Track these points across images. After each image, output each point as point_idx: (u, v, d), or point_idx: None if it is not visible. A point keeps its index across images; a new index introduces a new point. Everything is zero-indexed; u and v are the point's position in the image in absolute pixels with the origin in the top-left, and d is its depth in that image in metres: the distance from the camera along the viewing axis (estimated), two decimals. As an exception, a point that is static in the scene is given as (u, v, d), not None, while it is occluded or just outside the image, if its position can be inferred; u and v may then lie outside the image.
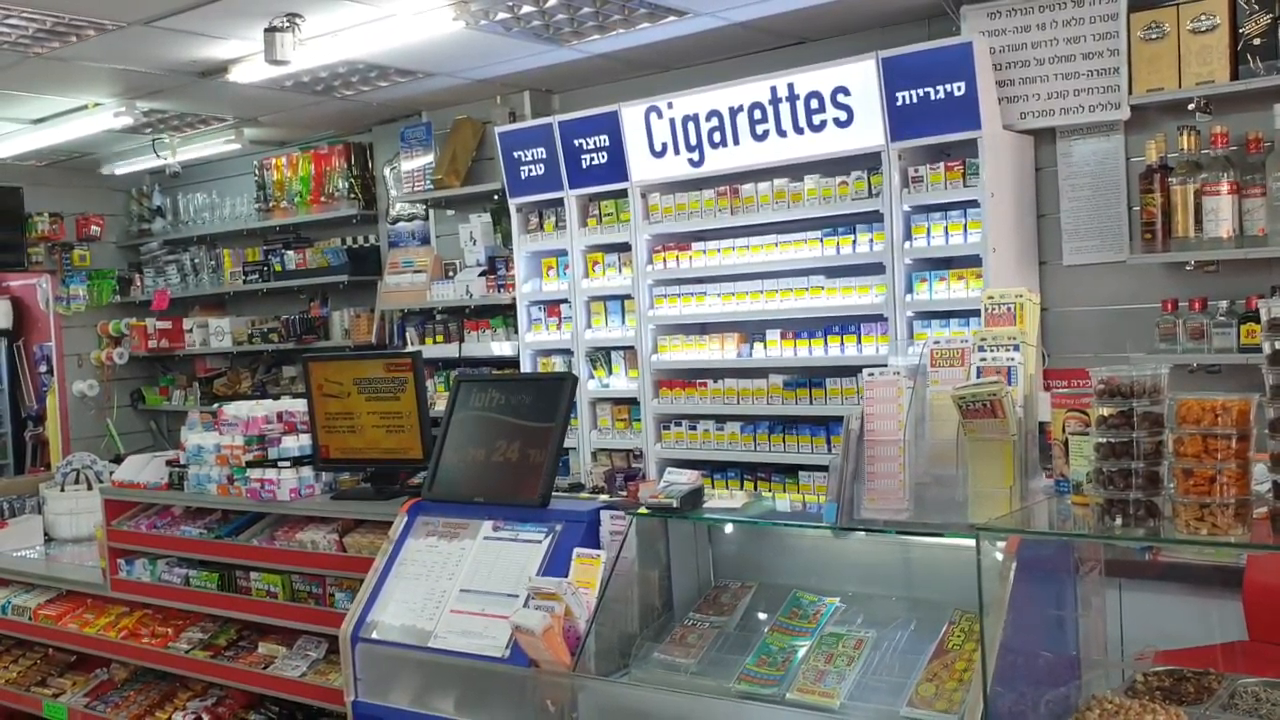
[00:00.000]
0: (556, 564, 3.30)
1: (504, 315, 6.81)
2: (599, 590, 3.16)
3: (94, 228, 9.23)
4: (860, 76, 5.10)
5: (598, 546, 3.34)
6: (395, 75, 6.29)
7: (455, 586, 3.44)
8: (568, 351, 6.39)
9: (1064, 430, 2.67)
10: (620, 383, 6.20)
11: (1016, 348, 2.81)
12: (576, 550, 3.27)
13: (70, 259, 9.15)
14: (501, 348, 6.76)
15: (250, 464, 4.25)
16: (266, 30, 4.88)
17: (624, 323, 6.16)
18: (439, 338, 7.09)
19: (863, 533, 3.03)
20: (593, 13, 5.20)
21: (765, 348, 5.61)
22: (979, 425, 2.72)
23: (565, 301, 6.36)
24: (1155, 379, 2.31)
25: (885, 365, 3.00)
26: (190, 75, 6.06)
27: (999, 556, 2.54)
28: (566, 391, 3.58)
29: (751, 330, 5.74)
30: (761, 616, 3.23)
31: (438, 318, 7.24)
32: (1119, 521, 2.32)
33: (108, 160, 8.63)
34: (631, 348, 6.12)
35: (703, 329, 6.00)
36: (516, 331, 6.64)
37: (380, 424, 4.08)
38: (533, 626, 2.99)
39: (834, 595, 3.15)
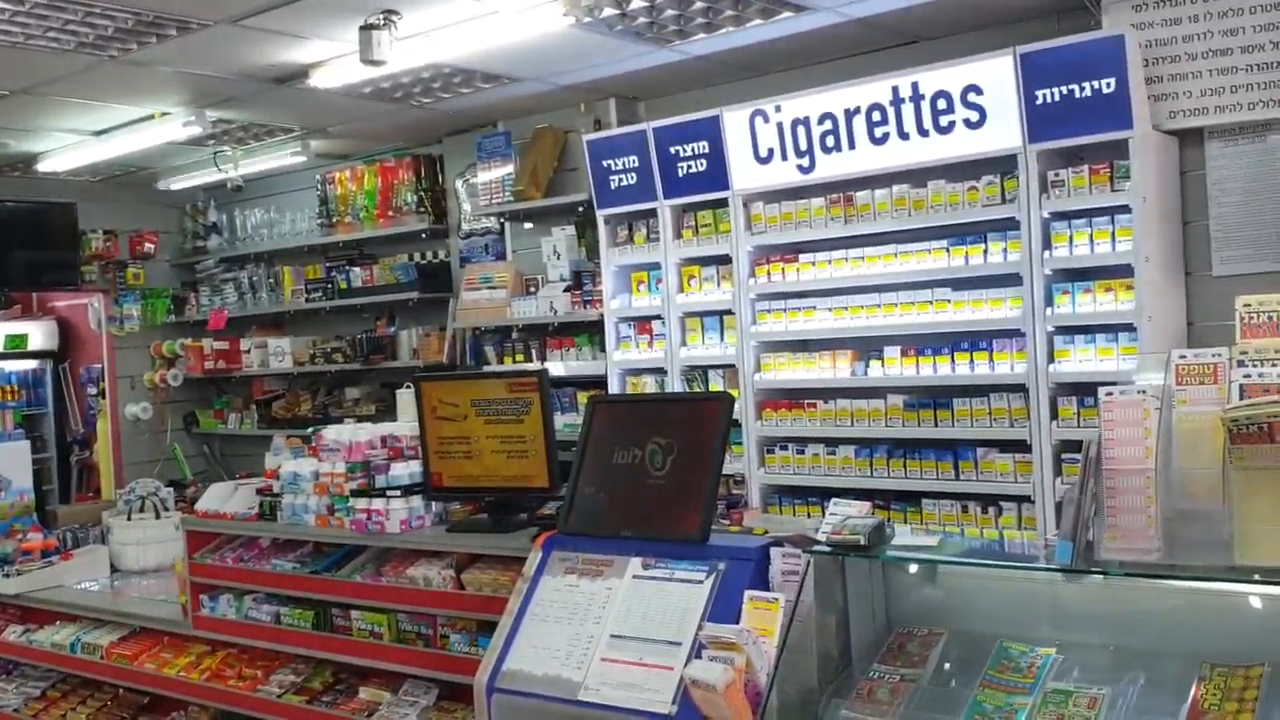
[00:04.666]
0: (722, 608, 2.93)
1: (589, 333, 6.46)
2: (779, 639, 2.79)
3: (148, 245, 8.95)
4: (995, 74, 4.74)
5: (766, 588, 2.98)
6: (480, 81, 5.98)
7: (604, 631, 3.07)
8: (660, 370, 6.03)
9: (1356, 458, 2.29)
10: (717, 404, 5.81)
11: (1287, 362, 2.43)
12: (748, 593, 2.90)
13: (124, 277, 8.87)
14: (586, 367, 6.42)
15: (355, 493, 3.90)
16: (362, 28, 4.57)
17: (723, 340, 5.80)
18: (518, 356, 6.75)
19: (1080, 575, 2.65)
20: (704, 9, 4.86)
21: (883, 365, 5.24)
22: (1251, 452, 2.34)
23: (658, 318, 6.01)
24: None
25: (1130, 382, 2.60)
26: (265, 81, 5.75)
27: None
28: (724, 412, 3.22)
29: (865, 347, 5.36)
30: (955, 668, 2.85)
31: (515, 336, 6.90)
32: None
33: (164, 175, 8.36)
34: (731, 366, 5.76)
35: (805, 346, 5.64)
36: (603, 350, 6.29)
37: (501, 449, 3.73)
38: (714, 681, 2.62)
39: (1045, 645, 2.77)
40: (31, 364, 10.18)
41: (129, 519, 5.83)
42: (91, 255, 8.67)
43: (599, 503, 3.30)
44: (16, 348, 9.99)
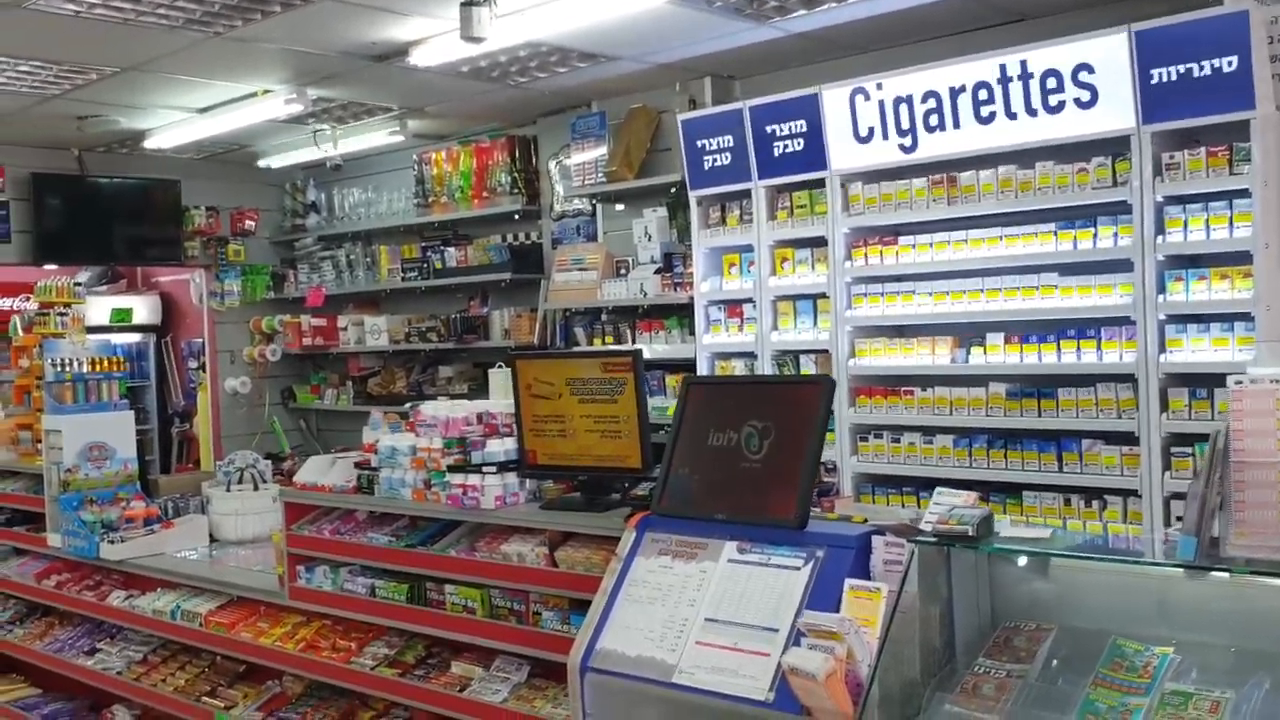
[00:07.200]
0: (821, 596, 2.86)
1: (679, 315, 6.42)
2: (881, 630, 2.72)
3: (249, 222, 9.14)
4: (1108, 52, 4.57)
5: (867, 577, 2.91)
6: (576, 60, 5.96)
7: (699, 614, 3.03)
8: (750, 355, 5.96)
9: None
10: (810, 389, 5.73)
11: None
12: (849, 582, 2.83)
13: (225, 253, 9.06)
14: (676, 350, 6.38)
15: (451, 468, 3.91)
16: (463, 4, 4.57)
17: (815, 324, 5.71)
18: (608, 339, 6.74)
19: (1200, 572, 2.53)
20: (807, -16, 4.78)
21: (985, 353, 5.10)
22: (1395, 447, 2.21)
23: (749, 301, 5.94)
24: None
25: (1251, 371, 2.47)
26: (365, 59, 5.81)
27: None
28: (824, 396, 3.15)
29: (966, 333, 5.23)
30: (1063, 665, 2.75)
31: (605, 318, 6.89)
32: None
33: (265, 153, 8.51)
34: (824, 351, 5.66)
35: (902, 331, 5.51)
36: (692, 333, 6.24)
37: (595, 428, 3.70)
38: (814, 670, 2.57)
39: (1160, 644, 2.65)
40: (135, 337, 10.51)
41: (227, 490, 5.96)
42: (194, 231, 8.88)
43: (693, 484, 3.26)
44: (122, 321, 10.33)
